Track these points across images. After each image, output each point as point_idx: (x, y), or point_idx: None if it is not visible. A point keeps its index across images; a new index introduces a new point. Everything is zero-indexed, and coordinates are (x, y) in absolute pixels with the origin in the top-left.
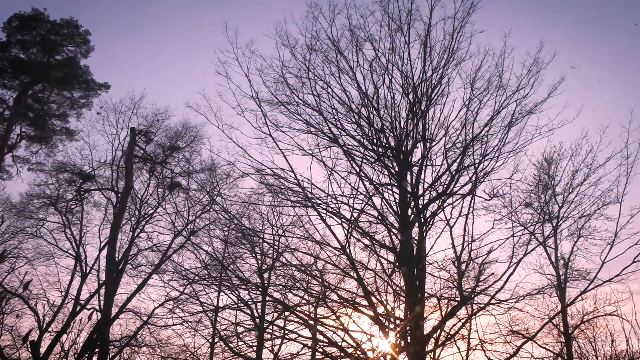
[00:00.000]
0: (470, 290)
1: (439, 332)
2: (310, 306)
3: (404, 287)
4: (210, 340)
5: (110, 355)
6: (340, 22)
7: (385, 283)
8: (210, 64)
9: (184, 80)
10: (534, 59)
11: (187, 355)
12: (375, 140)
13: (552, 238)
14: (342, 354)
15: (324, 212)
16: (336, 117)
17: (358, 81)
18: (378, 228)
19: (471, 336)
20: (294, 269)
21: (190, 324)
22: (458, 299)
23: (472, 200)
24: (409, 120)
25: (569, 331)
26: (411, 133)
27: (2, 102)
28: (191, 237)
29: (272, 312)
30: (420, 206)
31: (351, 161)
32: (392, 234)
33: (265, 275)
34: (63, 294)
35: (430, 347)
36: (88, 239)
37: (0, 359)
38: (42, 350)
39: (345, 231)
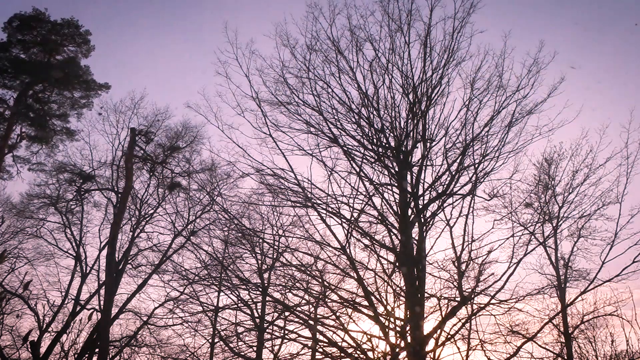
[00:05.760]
0: (470, 290)
1: (439, 332)
2: (310, 306)
3: (404, 287)
4: (210, 340)
5: (110, 355)
6: (340, 22)
7: (385, 283)
8: (210, 64)
9: (184, 80)
10: (534, 59)
11: (187, 355)
12: (375, 140)
13: (552, 238)
14: (342, 354)
15: (324, 212)
16: (336, 117)
17: (358, 81)
18: (378, 228)
19: (471, 336)
20: (294, 269)
21: (190, 324)
22: (458, 299)
23: (472, 201)
24: (409, 121)
25: (569, 331)
26: (411, 133)
27: (3, 102)
28: (191, 237)
29: (272, 312)
30: (420, 206)
31: (351, 161)
32: (392, 234)
33: (265, 275)
34: (63, 294)
35: (430, 347)
36: (88, 239)
37: (0, 359)
38: (42, 350)
39: (345, 231)
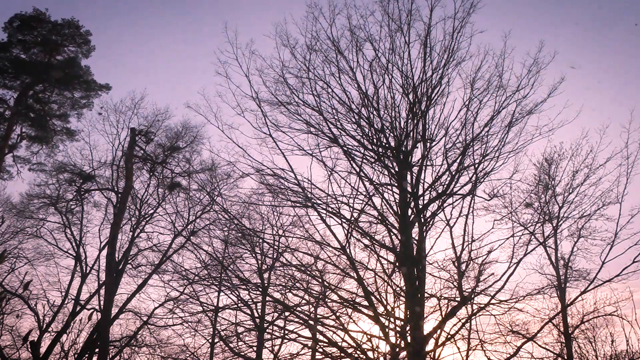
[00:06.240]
0: (470, 290)
1: (439, 332)
2: (310, 306)
3: (404, 287)
4: (210, 340)
5: (110, 355)
6: (340, 22)
7: (385, 283)
8: (210, 64)
9: (184, 80)
10: (534, 59)
11: (187, 355)
12: (375, 140)
13: (552, 238)
14: (342, 354)
15: (324, 212)
16: (336, 117)
17: (358, 81)
18: (378, 228)
19: (471, 336)
20: (294, 269)
21: (190, 324)
22: (458, 299)
23: (472, 201)
24: (409, 121)
25: (569, 331)
26: (411, 133)
27: (3, 102)
28: (191, 237)
29: (272, 312)
30: (420, 206)
31: (351, 161)
32: (392, 234)
33: (265, 275)
34: (63, 294)
35: (430, 347)
36: (88, 239)
37: (0, 359)
38: (42, 350)
39: (345, 231)
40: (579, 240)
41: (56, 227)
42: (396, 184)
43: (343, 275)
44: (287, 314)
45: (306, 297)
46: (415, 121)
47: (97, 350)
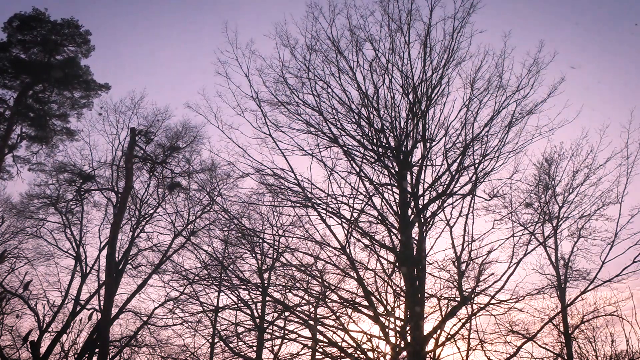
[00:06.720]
0: (470, 290)
1: (439, 332)
2: (310, 306)
3: (404, 287)
4: (210, 340)
5: (110, 355)
6: (340, 22)
7: (385, 283)
8: (210, 64)
9: (184, 80)
10: (534, 59)
11: (187, 355)
12: (375, 140)
13: (552, 238)
14: (342, 354)
15: (324, 212)
16: (336, 117)
17: (358, 81)
18: (378, 228)
19: (471, 336)
20: (294, 269)
21: (190, 324)
22: (458, 299)
23: (472, 201)
24: (409, 121)
25: (569, 331)
26: (411, 133)
27: (3, 102)
28: (191, 237)
29: (272, 312)
30: (420, 206)
31: (351, 161)
32: (392, 234)
33: (265, 275)
34: (63, 294)
35: (430, 347)
36: (88, 239)
37: (0, 359)
38: (42, 350)
39: (345, 231)
40: (579, 240)
41: (56, 227)
42: (396, 184)
43: (343, 275)
44: (287, 314)
45: (306, 297)
46: (415, 121)
47: (97, 350)
